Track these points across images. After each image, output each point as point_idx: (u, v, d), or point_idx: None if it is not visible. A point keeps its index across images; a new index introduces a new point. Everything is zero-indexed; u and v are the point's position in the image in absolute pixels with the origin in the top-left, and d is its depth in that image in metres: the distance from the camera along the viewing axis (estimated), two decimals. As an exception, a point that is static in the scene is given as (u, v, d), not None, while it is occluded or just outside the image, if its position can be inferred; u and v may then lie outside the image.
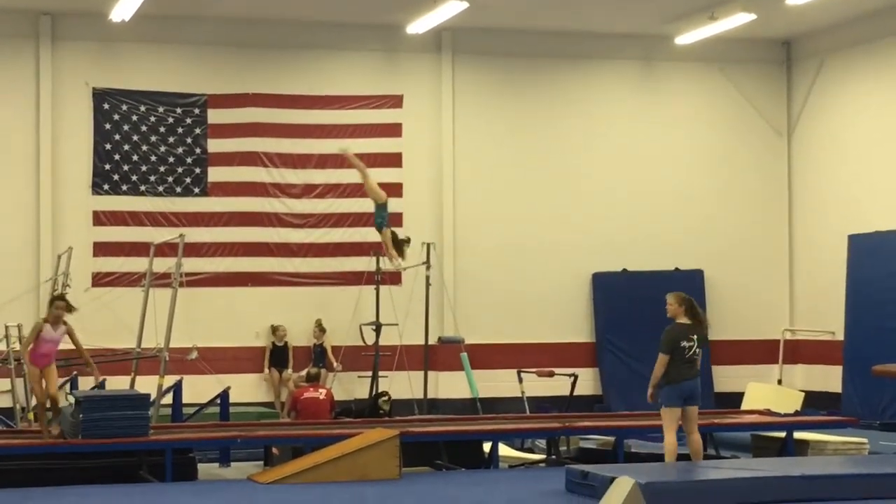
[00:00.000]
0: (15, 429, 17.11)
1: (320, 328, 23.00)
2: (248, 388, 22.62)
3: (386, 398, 19.46)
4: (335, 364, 22.53)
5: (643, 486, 10.72)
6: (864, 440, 16.40)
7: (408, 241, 18.64)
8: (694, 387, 14.07)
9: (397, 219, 23.21)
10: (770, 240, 25.33)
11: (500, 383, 22.43)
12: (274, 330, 22.98)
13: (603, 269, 24.47)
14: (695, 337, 14.15)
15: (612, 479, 11.15)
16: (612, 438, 16.75)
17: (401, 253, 18.74)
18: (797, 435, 16.32)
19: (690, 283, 24.48)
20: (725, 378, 24.29)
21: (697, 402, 14.15)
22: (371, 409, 19.28)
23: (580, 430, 16.29)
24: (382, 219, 17.30)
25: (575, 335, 24.37)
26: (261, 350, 23.14)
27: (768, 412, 18.97)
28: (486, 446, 15.97)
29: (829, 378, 23.52)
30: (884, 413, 21.33)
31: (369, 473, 13.89)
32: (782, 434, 16.25)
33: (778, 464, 13.35)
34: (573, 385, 19.32)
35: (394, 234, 17.84)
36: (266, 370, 23.11)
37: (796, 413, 20.31)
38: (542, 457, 16.91)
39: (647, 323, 24.06)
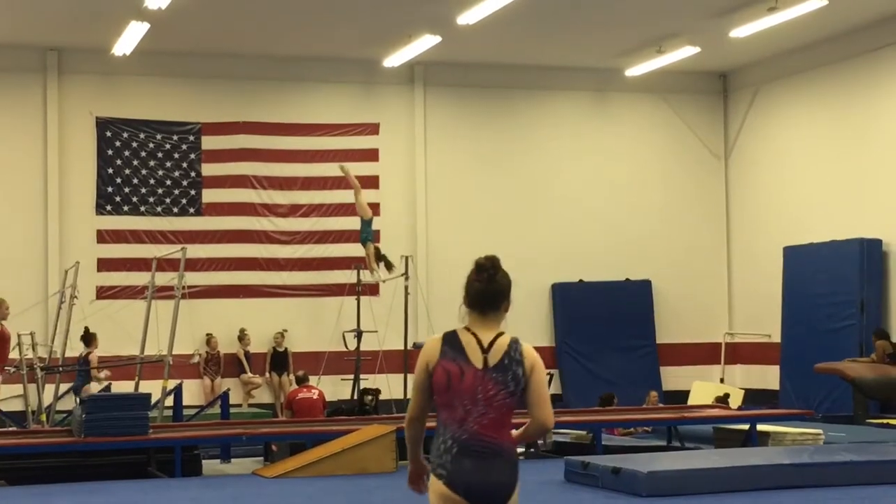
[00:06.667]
0: (28, 429, 15.85)
1: (282, 336, 22.10)
2: (237, 391, 21.63)
3: (371, 396, 18.25)
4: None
5: (646, 474, 9.69)
6: (820, 431, 15.38)
7: (384, 258, 17.82)
8: None
9: (375, 235, 22.51)
10: (710, 252, 24.56)
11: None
12: (275, 337, 22.15)
13: (561, 279, 23.61)
14: None
15: (612, 469, 10.13)
16: (583, 432, 15.73)
17: (388, 266, 17.81)
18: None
19: (640, 292, 23.90)
20: (673, 377, 23.50)
21: None
22: (360, 407, 18.11)
23: (561, 424, 15.15)
24: (367, 234, 16.43)
25: (536, 339, 23.24)
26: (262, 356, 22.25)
27: (725, 406, 18.09)
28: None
29: (767, 376, 22.81)
30: (819, 407, 20.50)
31: (368, 467, 12.86)
32: (743, 426, 15.23)
33: (765, 453, 12.32)
34: (548, 383, 18.24)
35: (377, 248, 16.95)
36: (267, 374, 22.14)
37: (740, 408, 19.52)
38: (521, 450, 15.79)
39: (602, 328, 23.56)
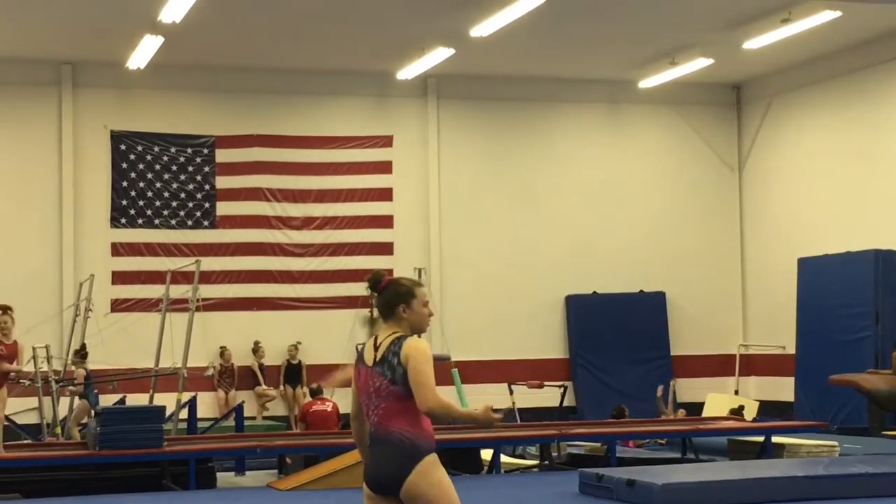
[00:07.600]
0: (43, 442, 15.89)
1: (296, 348, 22.11)
2: (252, 404, 21.60)
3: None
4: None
5: (661, 486, 9.66)
6: (835, 443, 15.35)
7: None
8: None
9: (388, 247, 22.65)
10: (725, 263, 24.48)
11: (484, 396, 21.25)
12: (289, 349, 22.15)
13: (575, 291, 23.54)
14: None
15: (627, 482, 10.10)
16: (597, 444, 15.71)
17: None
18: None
19: (654, 304, 23.86)
20: (687, 389, 23.35)
21: None
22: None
23: (575, 436, 15.13)
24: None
25: (551, 352, 23.43)
26: (276, 369, 22.21)
27: (739, 418, 18.04)
28: (483, 453, 14.87)
29: (782, 388, 22.66)
30: (834, 419, 20.44)
31: (382, 479, 12.76)
32: (757, 438, 15.19)
33: (780, 466, 12.27)
34: (563, 395, 18.29)
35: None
36: (281, 386, 22.14)
37: (754, 420, 19.46)
38: (536, 462, 15.78)
39: (616, 340, 23.50)
